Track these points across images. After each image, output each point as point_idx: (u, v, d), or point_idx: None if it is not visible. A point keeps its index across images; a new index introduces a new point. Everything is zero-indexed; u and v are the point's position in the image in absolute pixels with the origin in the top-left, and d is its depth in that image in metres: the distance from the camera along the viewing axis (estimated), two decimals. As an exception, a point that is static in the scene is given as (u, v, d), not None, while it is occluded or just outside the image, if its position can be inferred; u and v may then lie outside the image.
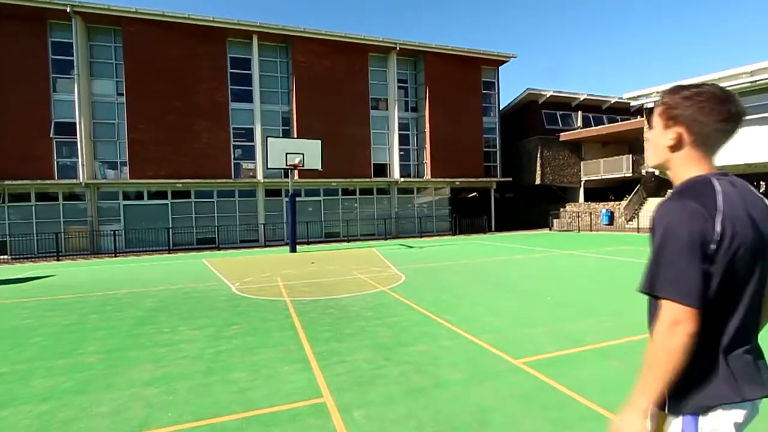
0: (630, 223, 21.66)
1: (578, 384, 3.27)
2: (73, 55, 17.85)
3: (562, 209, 25.22)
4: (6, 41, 17.19)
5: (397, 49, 22.37)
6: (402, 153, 23.46)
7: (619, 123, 24.66)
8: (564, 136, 25.37)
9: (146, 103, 18.58)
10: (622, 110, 27.17)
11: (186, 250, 18.52)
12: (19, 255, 17.00)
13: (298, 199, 19.68)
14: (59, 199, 18.14)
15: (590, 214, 23.24)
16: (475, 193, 28.34)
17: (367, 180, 22.30)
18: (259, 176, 20.46)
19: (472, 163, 24.06)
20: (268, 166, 16.25)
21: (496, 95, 25.74)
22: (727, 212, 1.07)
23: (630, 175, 22.82)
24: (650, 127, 1.30)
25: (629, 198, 22.38)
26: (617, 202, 23.22)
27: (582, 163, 25.71)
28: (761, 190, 22.16)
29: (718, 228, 1.05)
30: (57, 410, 3.15)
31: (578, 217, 23.40)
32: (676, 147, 1.19)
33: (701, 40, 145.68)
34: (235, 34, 20.10)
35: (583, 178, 25.58)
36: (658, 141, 1.23)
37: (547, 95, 25.99)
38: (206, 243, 19.58)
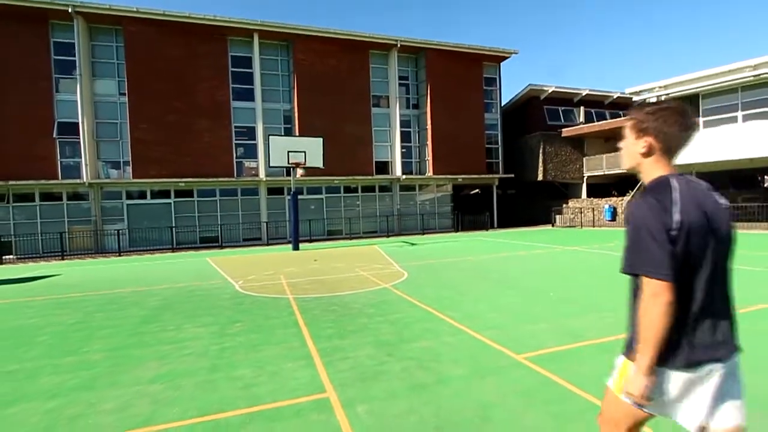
0: (633, 218, 21.51)
1: (579, 378, 3.29)
2: (75, 56, 17.91)
3: (564, 205, 25.15)
4: (8, 42, 17.26)
5: (398, 46, 22.32)
6: (404, 150, 23.45)
7: (622, 118, 24.53)
8: (566, 131, 25.25)
9: (148, 103, 18.64)
10: (624, 105, 27.05)
11: (189, 248, 18.60)
12: (24, 255, 17.13)
13: (300, 197, 19.75)
14: (63, 199, 18.26)
15: (593, 210, 23.17)
16: (477, 190, 28.30)
17: (369, 177, 22.32)
18: (262, 175, 20.50)
19: (474, 160, 24.01)
20: (270, 165, 16.28)
21: (498, 91, 25.64)
22: (683, 205, 1.33)
23: (632, 170, 22.68)
24: (623, 137, 1.55)
25: (632, 193, 22.28)
26: (620, 198, 23.13)
27: (584, 158, 25.59)
28: (765, 185, 22.01)
29: (676, 217, 1.31)
30: (64, 407, 3.19)
31: (581, 213, 23.34)
32: (647, 154, 1.45)
33: (704, 35, 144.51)
34: (236, 32, 20.10)
35: (586, 174, 25.47)
36: (632, 149, 1.50)
37: (549, 91, 25.89)
38: (209, 241, 19.64)
